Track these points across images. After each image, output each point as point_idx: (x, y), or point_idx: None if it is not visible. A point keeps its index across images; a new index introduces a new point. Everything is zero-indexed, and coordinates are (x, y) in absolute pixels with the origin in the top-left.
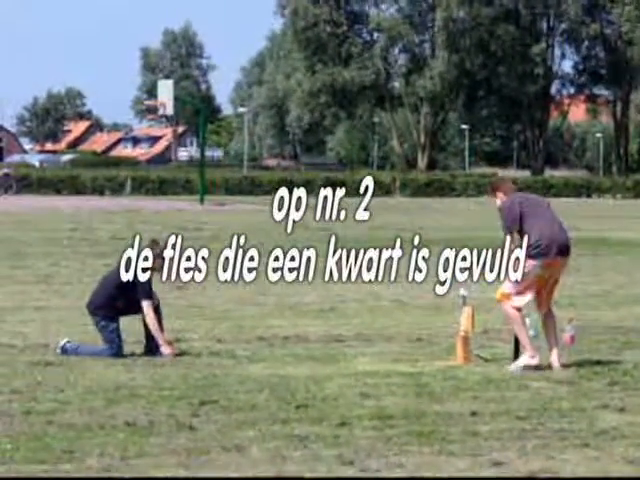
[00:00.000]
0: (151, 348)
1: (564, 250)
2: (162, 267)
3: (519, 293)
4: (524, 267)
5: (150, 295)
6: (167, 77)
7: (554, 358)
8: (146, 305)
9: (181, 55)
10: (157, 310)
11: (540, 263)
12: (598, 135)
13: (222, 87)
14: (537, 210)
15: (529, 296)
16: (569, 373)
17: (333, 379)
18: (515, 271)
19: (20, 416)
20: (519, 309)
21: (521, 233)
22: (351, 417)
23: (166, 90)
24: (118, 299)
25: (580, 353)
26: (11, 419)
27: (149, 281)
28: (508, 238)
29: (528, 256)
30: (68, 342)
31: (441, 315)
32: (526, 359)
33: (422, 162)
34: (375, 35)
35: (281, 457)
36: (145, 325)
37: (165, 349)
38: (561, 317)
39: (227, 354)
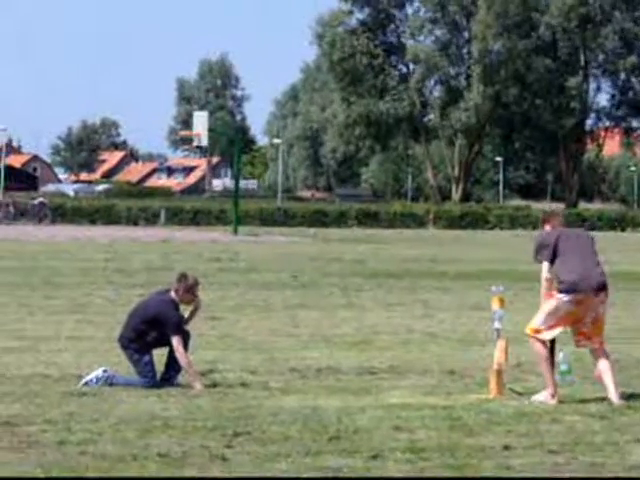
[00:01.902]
0: (168, 377)
1: (597, 287)
2: (191, 301)
3: (549, 327)
4: (555, 301)
5: (180, 330)
6: (202, 108)
7: (613, 396)
8: (175, 340)
9: (216, 86)
10: (187, 339)
11: (570, 299)
12: (633, 169)
13: (256, 118)
14: (574, 245)
15: (557, 331)
16: (602, 407)
17: (366, 411)
18: (546, 304)
19: (53, 446)
20: (544, 343)
21: (554, 265)
22: (384, 450)
23: (201, 121)
24: (147, 334)
25: (616, 388)
26: (44, 449)
27: (179, 316)
28: (544, 269)
29: (559, 291)
30: (104, 371)
31: (474, 348)
32: (546, 396)
33: (456, 194)
34: (411, 67)
35: None
36: (169, 353)
37: (196, 385)
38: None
39: (260, 385)
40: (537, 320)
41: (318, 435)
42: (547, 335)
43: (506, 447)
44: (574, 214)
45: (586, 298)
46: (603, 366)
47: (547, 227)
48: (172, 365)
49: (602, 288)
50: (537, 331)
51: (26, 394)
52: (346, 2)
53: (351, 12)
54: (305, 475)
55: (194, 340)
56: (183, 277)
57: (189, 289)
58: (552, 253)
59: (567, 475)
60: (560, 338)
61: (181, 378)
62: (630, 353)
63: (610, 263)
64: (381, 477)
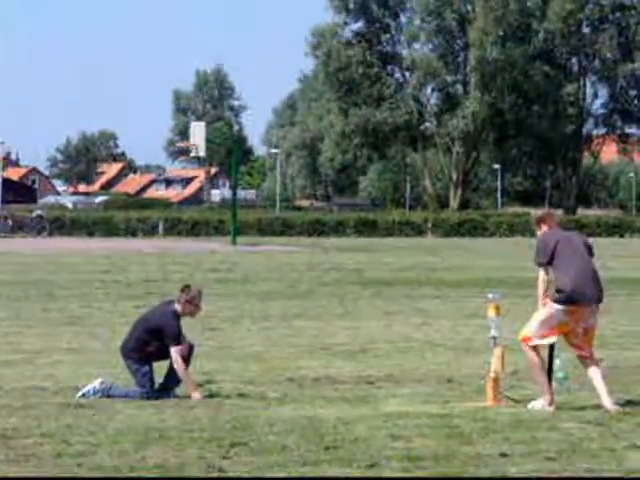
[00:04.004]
0: (167, 387)
1: (592, 299)
2: (194, 312)
3: (541, 336)
4: (548, 310)
5: (178, 341)
6: (199, 118)
7: (606, 402)
8: (174, 351)
9: (213, 97)
10: (191, 352)
11: (564, 309)
12: (631, 175)
13: (254, 128)
14: (572, 253)
15: (549, 340)
16: (599, 414)
17: (363, 420)
18: (539, 312)
19: (50, 459)
20: (537, 350)
21: (552, 269)
22: (381, 458)
23: (199, 132)
24: (149, 344)
25: (610, 393)
26: (41, 462)
27: (178, 327)
28: (541, 273)
29: (553, 300)
30: (102, 382)
31: (471, 356)
32: (543, 404)
33: (454, 202)
34: (407, 75)
35: None
36: (170, 365)
37: (195, 394)
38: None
39: (257, 396)
40: (529, 328)
41: (315, 445)
42: (537, 342)
43: (503, 455)
44: (573, 220)
45: (580, 309)
46: (593, 374)
47: (544, 228)
48: (172, 377)
49: (598, 300)
50: (527, 339)
51: (23, 407)
52: (340, 13)
53: (346, 23)
54: None
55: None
56: (186, 287)
57: (190, 300)
58: (550, 256)
59: None
60: (557, 345)
61: (179, 390)
62: (628, 358)
63: (608, 269)
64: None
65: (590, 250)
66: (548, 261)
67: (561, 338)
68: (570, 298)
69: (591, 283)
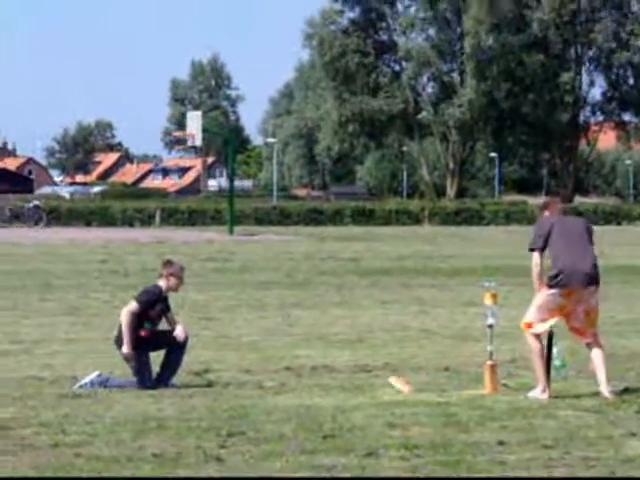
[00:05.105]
0: (164, 378)
1: (587, 281)
2: (177, 287)
3: (541, 320)
4: (545, 294)
5: (141, 301)
6: (196, 108)
7: (603, 388)
8: (131, 304)
9: (209, 86)
10: (184, 345)
11: (559, 292)
12: (628, 162)
13: (251, 117)
14: (568, 236)
15: (550, 323)
16: (596, 401)
17: (360, 409)
18: (537, 297)
19: (48, 448)
20: (538, 338)
21: (547, 253)
22: (378, 447)
23: (195, 121)
24: (142, 326)
25: (607, 381)
26: (39, 452)
27: (154, 294)
28: (535, 257)
29: (548, 285)
30: (99, 375)
31: (468, 344)
32: (537, 392)
33: (451, 190)
34: (403, 64)
35: None
36: (165, 354)
37: (125, 347)
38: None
39: (255, 385)
40: (529, 314)
41: (313, 433)
42: (540, 328)
43: (500, 443)
44: (570, 209)
45: (575, 291)
46: (596, 358)
47: (546, 213)
48: (168, 366)
49: (591, 282)
50: (529, 325)
51: (20, 397)
52: (337, 1)
53: (342, 11)
54: (300, 474)
55: (189, 340)
56: (167, 262)
57: (173, 273)
58: (544, 241)
59: (561, 470)
60: (555, 333)
61: (176, 380)
62: (625, 346)
63: (605, 256)
64: (375, 477)
65: (589, 232)
66: (542, 246)
67: (561, 326)
68: (562, 280)
69: (584, 264)
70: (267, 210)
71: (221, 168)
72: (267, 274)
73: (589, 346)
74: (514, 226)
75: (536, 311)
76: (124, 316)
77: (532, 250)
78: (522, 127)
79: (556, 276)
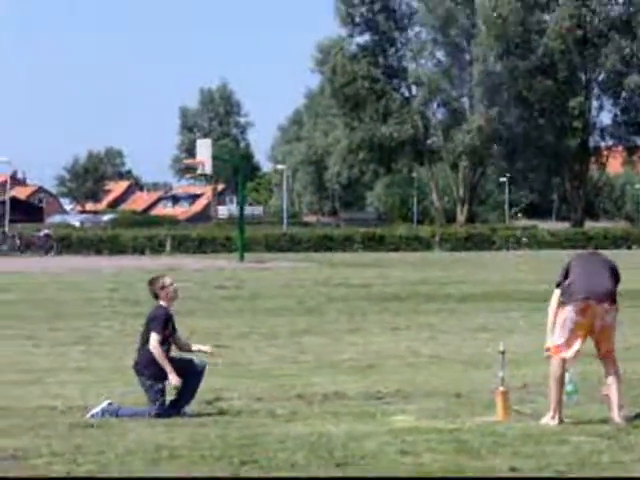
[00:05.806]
0: (179, 406)
1: (600, 296)
2: (173, 298)
3: (567, 344)
4: (563, 314)
5: (158, 330)
6: (206, 135)
7: (614, 414)
8: (153, 336)
9: (219, 113)
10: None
11: (574, 308)
12: (638, 186)
13: (260, 144)
14: (584, 262)
15: (575, 348)
16: (608, 427)
17: (372, 436)
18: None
19: (60, 479)
20: (563, 363)
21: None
22: (390, 474)
23: (205, 149)
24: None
25: (620, 407)
26: None
27: (164, 315)
28: (556, 291)
29: (562, 303)
30: (110, 404)
31: (479, 370)
32: (548, 418)
33: (461, 216)
34: (413, 90)
35: None
36: (184, 381)
37: (172, 378)
38: (600, 370)
39: (266, 413)
40: (554, 337)
41: (325, 461)
42: (568, 353)
43: (513, 469)
44: (580, 233)
45: (589, 306)
46: (611, 382)
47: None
48: (183, 394)
49: (605, 297)
50: (558, 348)
51: (32, 427)
52: (347, 26)
53: (351, 36)
54: None
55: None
56: (153, 279)
57: (163, 286)
58: (565, 274)
59: None
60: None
61: (187, 408)
62: (636, 371)
63: None
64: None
65: (609, 263)
66: (561, 281)
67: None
68: (580, 293)
69: (600, 281)
70: (277, 237)
71: (231, 195)
72: (278, 301)
73: (605, 367)
74: (525, 251)
75: (558, 333)
76: (155, 350)
77: (557, 285)
78: (532, 152)
79: (568, 291)
